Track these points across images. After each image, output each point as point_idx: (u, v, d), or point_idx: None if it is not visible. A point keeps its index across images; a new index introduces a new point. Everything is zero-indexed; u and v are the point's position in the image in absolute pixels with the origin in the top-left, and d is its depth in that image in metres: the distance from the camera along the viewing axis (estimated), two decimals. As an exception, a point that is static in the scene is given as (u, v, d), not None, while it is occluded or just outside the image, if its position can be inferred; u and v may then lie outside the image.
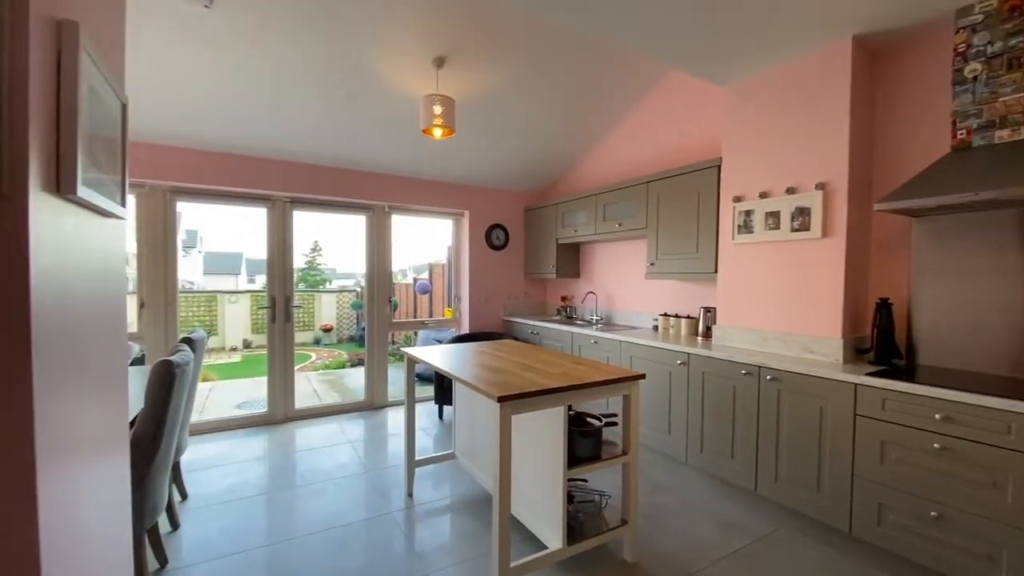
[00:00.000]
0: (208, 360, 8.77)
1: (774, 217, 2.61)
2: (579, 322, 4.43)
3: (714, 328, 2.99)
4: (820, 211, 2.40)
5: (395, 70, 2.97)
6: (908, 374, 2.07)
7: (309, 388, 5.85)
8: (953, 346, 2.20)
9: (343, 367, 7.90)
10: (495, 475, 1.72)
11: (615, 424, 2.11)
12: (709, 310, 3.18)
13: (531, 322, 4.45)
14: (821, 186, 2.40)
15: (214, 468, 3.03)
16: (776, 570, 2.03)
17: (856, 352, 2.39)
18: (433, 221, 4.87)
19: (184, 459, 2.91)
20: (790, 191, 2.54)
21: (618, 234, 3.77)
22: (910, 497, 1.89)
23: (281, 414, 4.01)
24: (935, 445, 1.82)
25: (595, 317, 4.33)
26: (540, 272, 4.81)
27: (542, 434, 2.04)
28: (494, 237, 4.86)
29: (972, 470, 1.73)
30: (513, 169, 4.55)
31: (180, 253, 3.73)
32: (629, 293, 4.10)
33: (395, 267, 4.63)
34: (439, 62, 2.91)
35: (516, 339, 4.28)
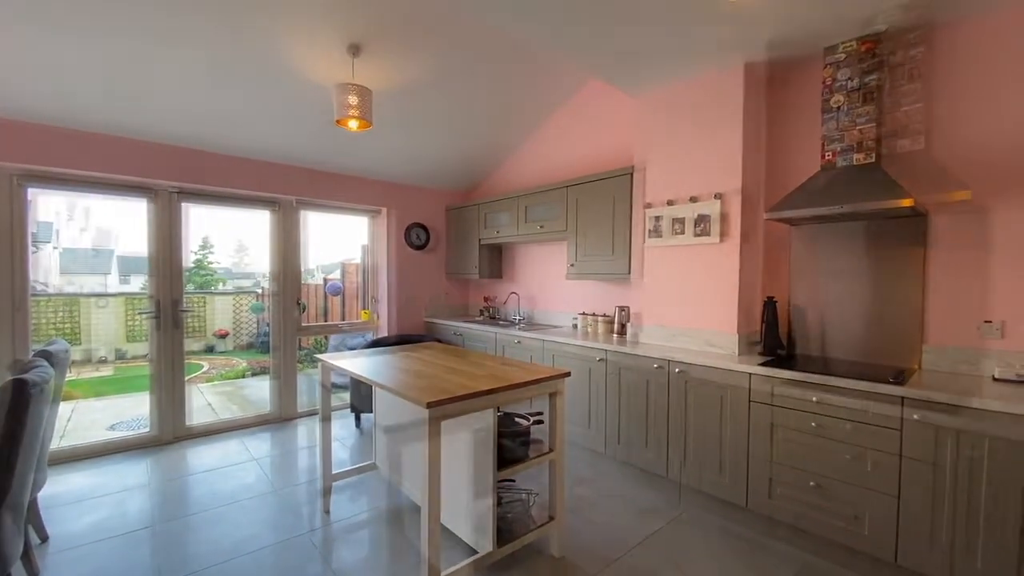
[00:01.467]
0: (71, 375, 7.48)
1: (680, 223, 2.84)
2: (502, 322, 4.46)
3: (629, 326, 3.18)
4: (717, 218, 2.65)
5: (305, 54, 2.75)
6: (790, 363, 2.36)
7: (202, 402, 5.23)
8: (825, 337, 2.56)
9: (242, 377, 7.18)
10: (424, 484, 1.66)
11: (541, 423, 2.16)
12: (624, 309, 3.37)
13: (454, 323, 4.39)
14: (719, 196, 2.65)
15: (82, 502, 2.58)
16: (685, 547, 2.21)
17: (749, 345, 2.68)
18: (347, 218, 4.60)
19: (43, 494, 2.44)
20: (693, 199, 2.78)
21: (540, 236, 3.86)
22: (793, 471, 2.17)
23: (170, 433, 3.54)
24: (812, 424, 2.10)
25: (518, 317, 4.39)
26: (463, 273, 4.76)
27: (469, 437, 2.02)
28: (414, 236, 4.72)
29: (839, 444, 2.02)
30: (435, 167, 4.45)
31: (30, 249, 3.11)
32: (550, 293, 4.21)
33: (305, 266, 4.31)
34: (354, 49, 2.75)
35: (439, 341, 4.20)
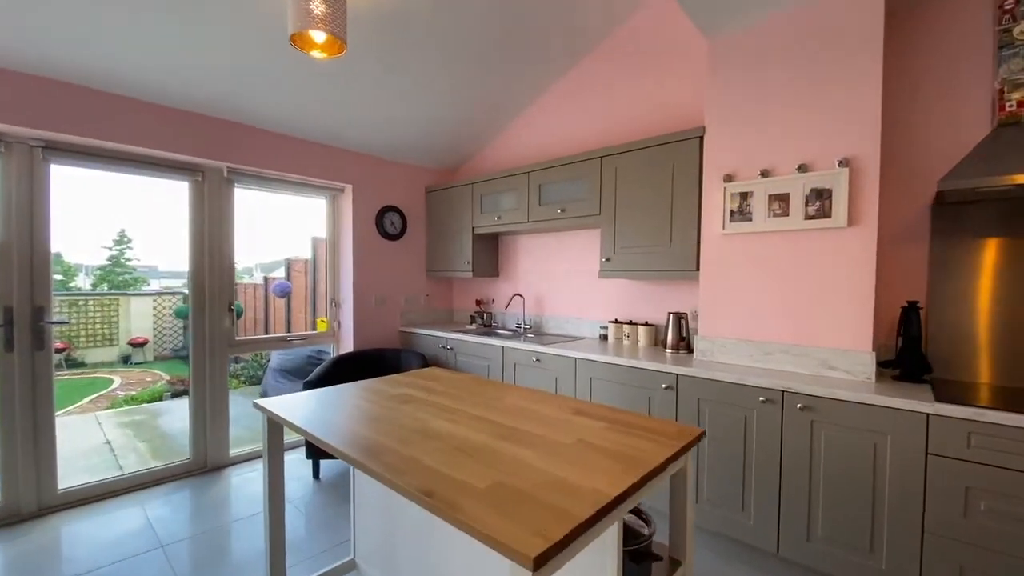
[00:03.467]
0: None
1: (781, 201, 2.10)
2: (501, 332, 3.58)
3: (696, 339, 2.41)
4: (845, 193, 1.93)
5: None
6: (962, 394, 1.67)
7: (97, 440, 3.95)
8: (977, 357, 1.90)
9: (159, 398, 5.81)
10: None
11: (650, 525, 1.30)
12: (681, 316, 2.60)
13: (440, 333, 3.45)
14: (846, 162, 1.93)
15: None
16: None
17: (878, 366, 1.98)
18: (298, 200, 3.53)
19: None
20: (802, 168, 2.04)
21: (559, 223, 3.02)
22: (1004, 558, 1.46)
23: (29, 503, 2.37)
24: (1049, 494, 1.40)
25: (522, 325, 3.52)
26: (448, 270, 3.82)
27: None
28: (388, 223, 3.73)
29: (1106, 527, 1.33)
30: (418, 134, 3.48)
31: None
32: (567, 295, 3.38)
33: (242, 261, 3.20)
34: (324, -75, 1.77)
35: (424, 358, 3.25)
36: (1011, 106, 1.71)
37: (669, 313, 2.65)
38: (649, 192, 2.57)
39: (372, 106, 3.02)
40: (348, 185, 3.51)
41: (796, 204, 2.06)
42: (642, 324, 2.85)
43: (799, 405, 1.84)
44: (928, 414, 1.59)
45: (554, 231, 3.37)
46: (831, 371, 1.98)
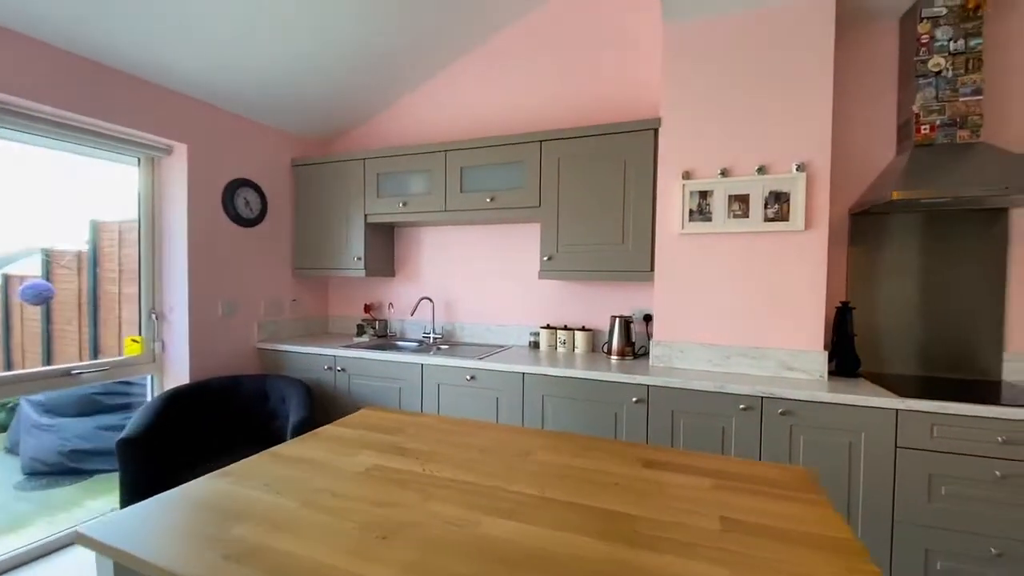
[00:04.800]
0: None
1: (741, 202, 2.07)
2: (404, 344, 2.96)
3: (651, 344, 2.26)
4: (803, 197, 1.98)
5: None
6: (904, 386, 1.84)
7: None
8: (886, 349, 2.16)
9: None
10: None
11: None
12: (628, 320, 2.43)
13: (327, 351, 2.65)
14: (803, 167, 1.98)
15: None
16: None
17: (819, 363, 2.10)
18: (76, 160, 2.30)
19: None
20: (762, 170, 2.04)
21: (487, 213, 2.57)
22: (965, 536, 1.62)
23: None
24: (996, 473, 1.58)
25: (432, 335, 2.96)
26: (326, 267, 3.01)
27: None
28: (240, 203, 2.73)
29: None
30: (285, 84, 2.61)
31: None
32: (488, 299, 2.94)
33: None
34: None
35: (301, 384, 2.45)
36: (926, 130, 1.95)
37: (613, 317, 2.46)
38: (599, 185, 2.33)
39: (227, 31, 2.11)
40: (181, 145, 2.43)
41: (756, 206, 2.05)
42: (579, 329, 2.61)
43: (780, 410, 1.81)
44: (898, 409, 1.67)
45: (478, 224, 2.90)
46: (789, 371, 2.01)
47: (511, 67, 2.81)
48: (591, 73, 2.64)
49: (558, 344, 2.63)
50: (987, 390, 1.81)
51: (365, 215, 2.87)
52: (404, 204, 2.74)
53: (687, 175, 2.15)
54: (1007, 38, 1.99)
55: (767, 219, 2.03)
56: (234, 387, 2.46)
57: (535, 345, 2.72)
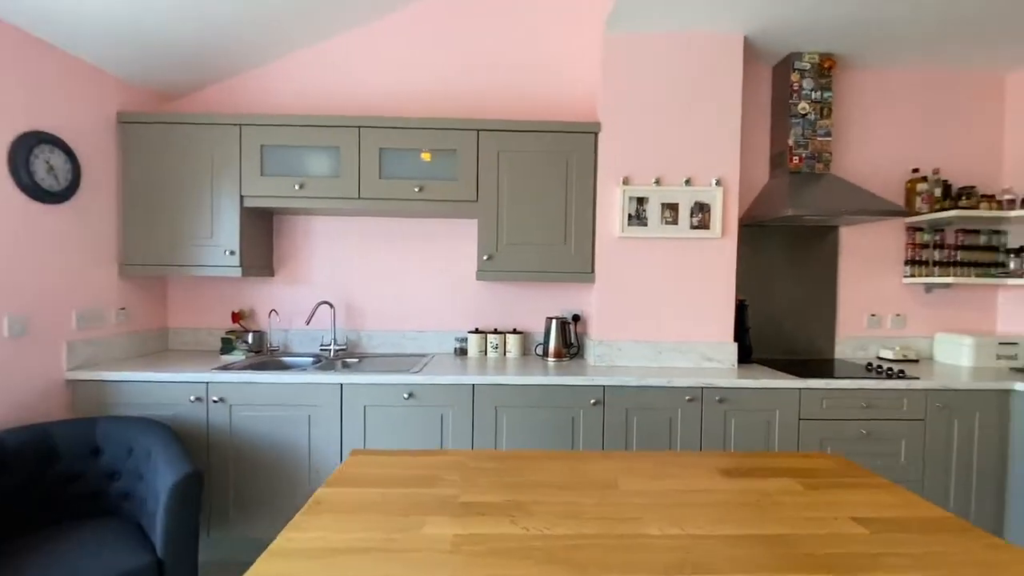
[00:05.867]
0: None
1: (672, 210, 2.25)
2: (292, 359, 2.42)
3: (593, 344, 2.29)
4: (720, 208, 2.24)
5: None
6: (791, 368, 2.25)
7: None
8: (765, 338, 2.61)
9: None
10: None
11: None
12: (566, 321, 2.42)
13: (192, 376, 1.97)
14: (720, 182, 2.25)
15: None
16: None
17: (724, 353, 2.42)
18: None
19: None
20: (689, 182, 2.25)
21: (413, 205, 2.25)
22: (841, 484, 2.05)
23: None
24: (863, 432, 2.04)
25: (333, 347, 2.47)
26: (179, 263, 2.25)
27: None
28: (40, 168, 1.82)
29: (886, 443, 2.05)
30: (110, 3, 1.85)
31: None
32: (405, 303, 2.59)
33: None
34: None
35: (161, 427, 1.77)
36: (796, 160, 2.41)
37: (548, 318, 2.43)
38: (541, 183, 2.26)
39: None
40: (-81, 61, 1.50)
41: (684, 214, 2.25)
42: (510, 332, 2.50)
43: (717, 398, 2.02)
44: (801, 388, 2.03)
45: (397, 216, 2.51)
46: (709, 362, 2.27)
47: (443, 39, 2.52)
48: (527, 62, 2.54)
49: (488, 349, 2.47)
50: (839, 367, 2.33)
51: (242, 196, 2.23)
52: (300, 186, 2.22)
53: (626, 181, 2.24)
54: (847, 95, 2.60)
55: (692, 227, 2.25)
56: (38, 443, 1.64)
57: (462, 352, 2.51)
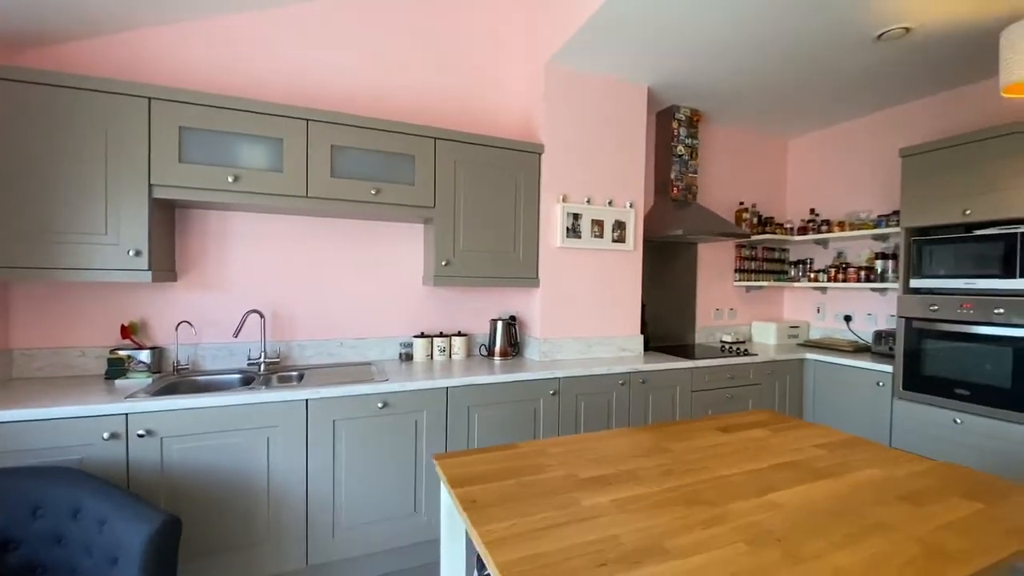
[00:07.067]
0: None
1: (598, 225, 2.66)
2: (211, 379, 2.10)
3: (537, 343, 2.55)
4: (632, 226, 2.75)
5: None
6: (683, 353, 2.89)
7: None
8: (654, 331, 3.25)
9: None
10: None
11: None
12: (510, 323, 2.62)
13: (104, 408, 1.57)
14: (632, 205, 2.75)
15: None
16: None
17: (629, 344, 2.95)
18: None
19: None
20: (610, 203, 2.70)
21: (366, 207, 2.17)
22: (716, 437, 2.75)
23: None
24: (728, 396, 2.76)
25: (263, 360, 2.19)
26: (54, 266, 1.73)
27: None
28: None
29: (741, 403, 2.81)
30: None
31: None
32: (339, 310, 2.42)
33: None
34: None
35: (39, 473, 1.40)
36: (675, 190, 3.08)
37: (493, 320, 2.60)
38: (494, 194, 2.42)
39: None
40: None
41: (607, 230, 2.68)
42: (455, 335, 2.60)
43: (641, 380, 2.49)
44: (692, 368, 2.65)
45: (349, 217, 2.33)
46: (624, 352, 2.76)
47: (393, 34, 2.45)
48: (468, 75, 2.65)
49: (435, 352, 2.52)
50: (703, 350, 3.07)
51: (151, 185, 1.85)
52: (235, 179, 1.95)
53: (564, 198, 2.57)
54: (707, 143, 3.39)
55: (613, 240, 2.70)
56: None
57: (407, 357, 2.50)
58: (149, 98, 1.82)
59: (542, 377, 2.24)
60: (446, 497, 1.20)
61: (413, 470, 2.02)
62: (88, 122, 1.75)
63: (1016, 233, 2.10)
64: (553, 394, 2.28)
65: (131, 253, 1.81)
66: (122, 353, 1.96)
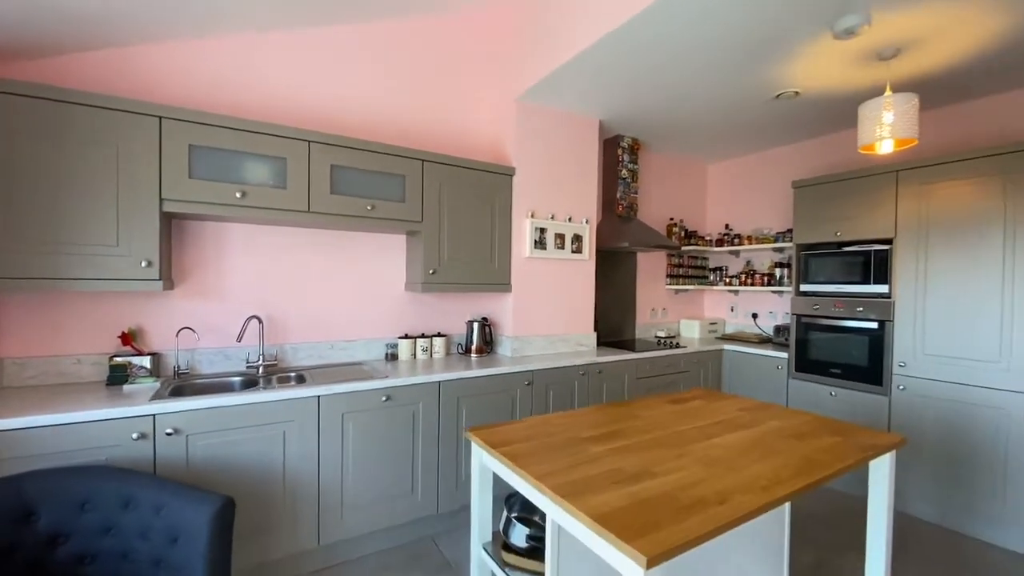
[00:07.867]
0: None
1: (560, 238, 3.07)
2: (213, 381, 2.22)
3: (509, 341, 2.90)
4: (588, 239, 3.20)
5: None
6: (630, 347, 3.39)
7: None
8: (602, 328, 3.74)
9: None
10: None
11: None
12: (485, 323, 2.94)
13: (132, 411, 1.68)
14: (588, 221, 3.20)
15: None
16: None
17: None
18: None
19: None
20: (570, 220, 3.12)
21: (362, 221, 2.40)
22: (656, 417, 3.27)
23: None
24: (666, 383, 3.30)
25: (261, 362, 2.34)
26: (68, 275, 1.79)
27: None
28: None
29: (674, 386, 3.36)
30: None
31: None
32: (328, 315, 2.60)
33: None
34: None
35: (78, 473, 1.53)
36: (620, 208, 3.58)
37: (469, 321, 2.92)
38: (474, 210, 2.74)
39: None
40: None
41: (568, 242, 3.10)
42: (435, 335, 2.88)
43: (598, 370, 2.93)
44: (637, 359, 3.14)
45: (346, 230, 2.52)
46: (581, 347, 3.20)
47: (381, 65, 2.68)
48: (457, 104, 2.94)
49: (418, 351, 2.79)
50: (643, 344, 3.60)
51: (162, 199, 1.96)
52: (243, 195, 2.10)
53: (532, 214, 2.95)
54: (645, 167, 3.94)
55: (572, 251, 3.13)
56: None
57: (393, 356, 2.74)
58: (160, 117, 1.93)
59: (519, 370, 2.60)
60: (476, 459, 1.51)
61: (411, 455, 2.29)
62: (99, 139, 1.83)
63: (871, 251, 2.81)
64: (528, 384, 2.64)
65: (143, 264, 1.91)
66: (123, 359, 2.03)
